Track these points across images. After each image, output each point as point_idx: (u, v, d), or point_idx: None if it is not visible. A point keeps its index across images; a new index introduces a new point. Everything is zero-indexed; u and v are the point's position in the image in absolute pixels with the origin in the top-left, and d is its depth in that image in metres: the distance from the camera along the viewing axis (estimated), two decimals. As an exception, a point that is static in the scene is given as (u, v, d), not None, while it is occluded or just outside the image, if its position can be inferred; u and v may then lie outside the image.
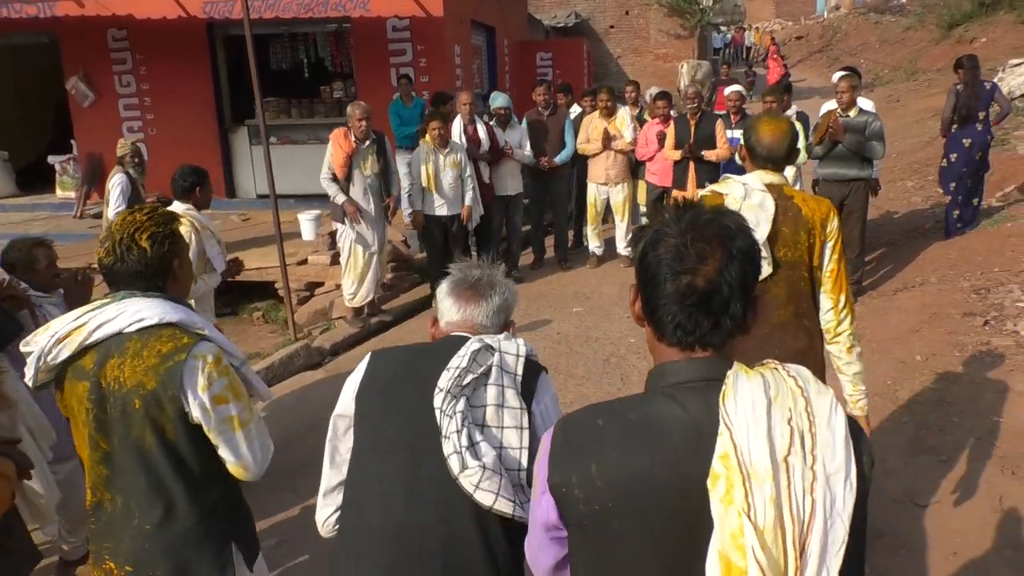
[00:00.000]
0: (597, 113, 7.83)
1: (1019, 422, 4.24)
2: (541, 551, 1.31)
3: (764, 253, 2.62)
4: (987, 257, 6.51)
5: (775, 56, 19.91)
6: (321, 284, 7.70)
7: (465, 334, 1.81)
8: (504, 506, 1.57)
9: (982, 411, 4.39)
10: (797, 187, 6.50)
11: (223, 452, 2.01)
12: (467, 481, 1.54)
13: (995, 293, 5.85)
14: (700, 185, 6.97)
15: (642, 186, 7.98)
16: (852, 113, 6.16)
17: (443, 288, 1.94)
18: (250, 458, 2.04)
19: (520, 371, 1.69)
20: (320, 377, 5.81)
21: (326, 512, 1.91)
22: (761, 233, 2.60)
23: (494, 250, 7.91)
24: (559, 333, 6.32)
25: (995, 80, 10.80)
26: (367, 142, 6.37)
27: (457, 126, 7.29)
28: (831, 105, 6.36)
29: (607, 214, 8.24)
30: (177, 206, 4.36)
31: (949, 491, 3.79)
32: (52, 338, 1.95)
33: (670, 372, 1.24)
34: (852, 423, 1.19)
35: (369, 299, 6.85)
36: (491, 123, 7.60)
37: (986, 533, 3.47)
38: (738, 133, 6.67)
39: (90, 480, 2.04)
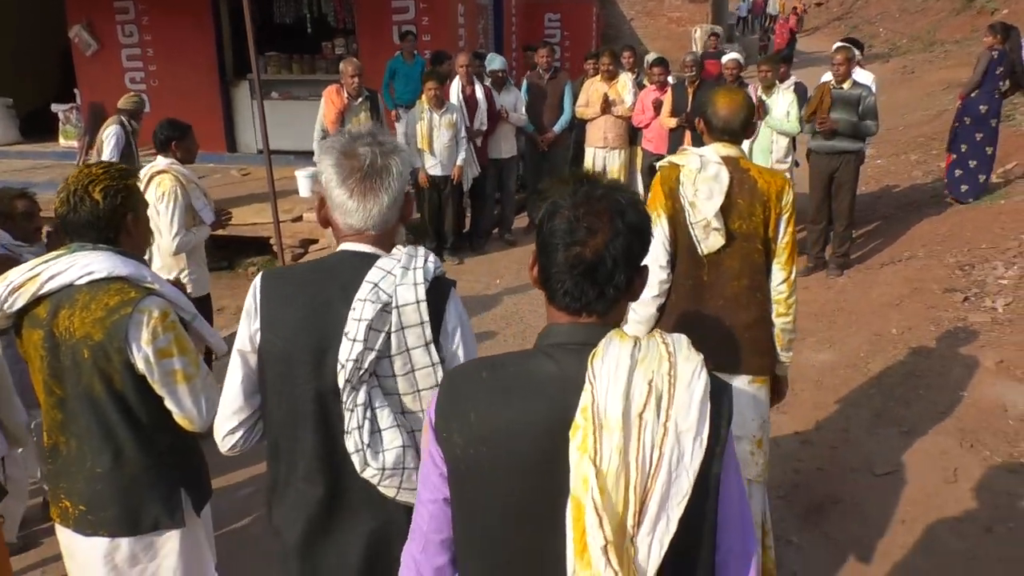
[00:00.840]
0: (599, 77, 7.80)
1: (983, 397, 4.31)
2: (424, 485, 1.37)
3: (717, 225, 2.67)
4: (975, 233, 6.52)
5: (784, 23, 19.62)
6: (315, 241, 7.78)
7: (362, 249, 1.72)
8: (408, 497, 1.60)
9: (949, 385, 4.46)
10: (789, 160, 6.51)
11: (169, 404, 2.09)
12: (369, 478, 1.60)
13: (979, 269, 5.88)
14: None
15: (640, 152, 7.97)
16: (846, 85, 6.13)
17: (330, 165, 1.71)
18: (195, 411, 2.11)
19: (425, 318, 1.63)
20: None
21: (227, 426, 1.81)
22: (714, 205, 2.65)
23: (488, 212, 7.98)
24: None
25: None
26: (359, 99, 6.39)
27: (455, 87, 7.29)
28: (828, 77, 6.32)
29: (603, 179, 8.24)
30: (160, 160, 4.41)
31: (906, 462, 3.88)
32: (8, 287, 2.03)
33: (554, 333, 1.32)
34: (718, 389, 1.26)
35: (360, 257, 6.90)
36: (487, 85, 7.59)
37: (936, 503, 3.56)
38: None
39: (46, 423, 2.14)
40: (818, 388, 4.69)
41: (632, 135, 7.93)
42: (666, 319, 2.82)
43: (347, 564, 1.75)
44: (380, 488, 1.61)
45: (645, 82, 7.98)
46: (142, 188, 4.34)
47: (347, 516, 1.74)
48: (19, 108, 11.94)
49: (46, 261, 2.07)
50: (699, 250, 2.70)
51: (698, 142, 6.86)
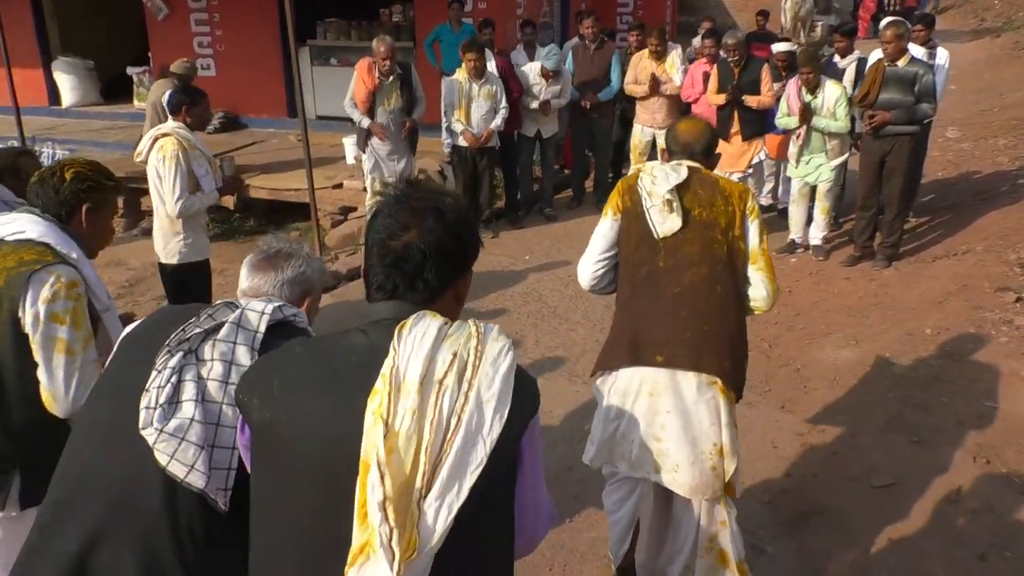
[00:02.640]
0: (646, 53, 7.49)
1: (1012, 409, 3.94)
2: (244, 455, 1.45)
3: (670, 197, 2.57)
4: (1046, 228, 5.98)
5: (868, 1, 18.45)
6: (355, 209, 7.81)
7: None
8: (177, 470, 1.50)
9: (976, 394, 4.10)
10: (847, 155, 6.13)
11: (41, 373, 2.08)
12: (146, 436, 1.54)
13: (1041, 268, 5.39)
14: (747, 136, 6.65)
15: (689, 129, 7.64)
16: (901, 62, 5.67)
17: (247, 258, 1.94)
18: (62, 388, 2.08)
19: (262, 328, 1.61)
20: (326, 301, 5.94)
21: None
22: (668, 184, 2.57)
23: (526, 186, 7.83)
24: (570, 275, 6.21)
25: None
26: (391, 77, 6.31)
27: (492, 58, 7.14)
28: (879, 54, 5.87)
29: (652, 159, 7.97)
30: (168, 124, 4.46)
31: (910, 474, 3.59)
32: None
33: (372, 312, 1.38)
34: (523, 377, 1.31)
35: (392, 227, 6.89)
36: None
37: (932, 523, 3.29)
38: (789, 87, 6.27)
39: None
40: (832, 387, 4.40)
41: (683, 112, 7.61)
42: (619, 311, 2.69)
43: None
44: (155, 452, 1.51)
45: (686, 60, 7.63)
46: (145, 151, 4.45)
47: None
48: (101, 71, 12.42)
49: None
50: (655, 234, 2.56)
51: (747, 121, 6.56)
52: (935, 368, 4.41)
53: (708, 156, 2.73)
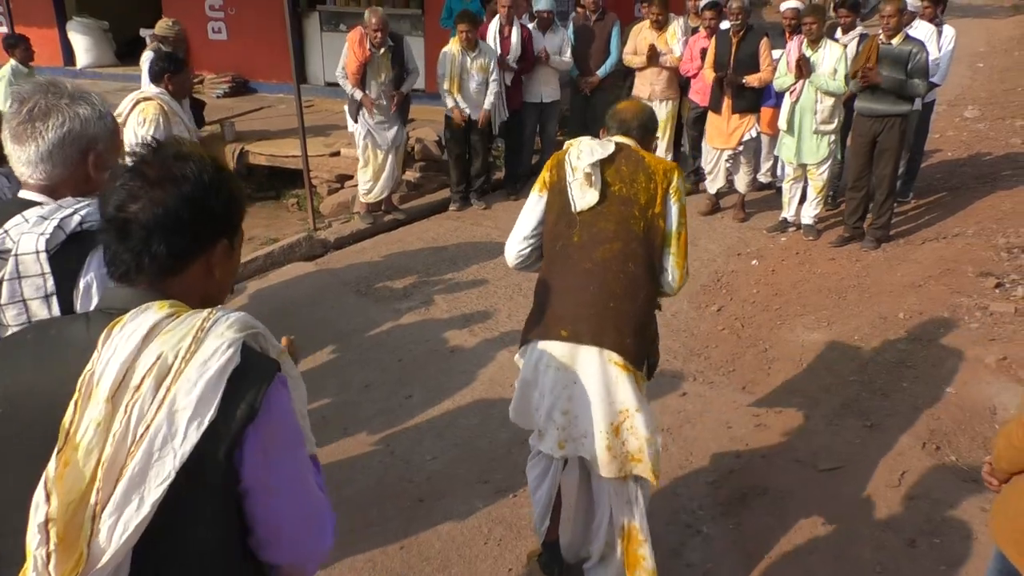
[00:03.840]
0: (647, 23, 7.39)
1: (972, 395, 3.92)
2: None
3: (590, 171, 2.56)
4: (1040, 213, 5.86)
5: None
6: (351, 177, 7.84)
7: (29, 196, 1.67)
8: None
9: (937, 379, 4.09)
10: (835, 123, 5.98)
11: None
12: None
13: (1028, 254, 5.30)
14: (738, 109, 6.55)
15: (688, 103, 7.56)
16: (896, 41, 5.55)
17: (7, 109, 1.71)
18: None
19: (46, 268, 1.55)
20: (309, 270, 6.02)
21: None
22: (591, 159, 2.57)
23: (524, 157, 7.81)
24: (555, 249, 6.23)
25: None
26: (382, 49, 6.30)
27: (493, 27, 7.10)
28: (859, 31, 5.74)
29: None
30: (150, 88, 4.51)
31: (856, 458, 3.60)
32: None
33: (106, 297, 1.29)
34: (252, 373, 1.19)
35: (384, 196, 6.94)
36: (531, 25, 7.34)
37: (869, 507, 3.30)
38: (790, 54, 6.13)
39: None
40: (795, 368, 4.39)
41: (683, 86, 7.51)
42: (537, 284, 2.72)
43: None
44: None
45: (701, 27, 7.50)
46: (125, 113, 4.51)
47: None
48: (116, 33, 12.51)
49: None
50: (573, 207, 2.57)
51: (741, 96, 6.46)
52: (901, 352, 4.38)
53: (644, 135, 2.71)
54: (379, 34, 6.21)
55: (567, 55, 7.42)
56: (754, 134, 6.64)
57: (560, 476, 2.79)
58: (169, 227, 1.23)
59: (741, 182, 6.87)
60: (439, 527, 3.30)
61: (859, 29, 6.71)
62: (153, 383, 1.12)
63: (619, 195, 2.56)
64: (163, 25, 7.54)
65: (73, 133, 1.66)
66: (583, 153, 2.57)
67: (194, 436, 1.12)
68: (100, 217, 1.27)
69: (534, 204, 2.70)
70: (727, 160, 6.81)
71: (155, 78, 4.58)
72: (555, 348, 2.54)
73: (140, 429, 1.11)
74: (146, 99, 4.47)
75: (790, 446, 3.75)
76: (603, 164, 2.57)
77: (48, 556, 1.08)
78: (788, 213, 6.53)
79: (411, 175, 7.78)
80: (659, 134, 7.58)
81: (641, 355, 2.57)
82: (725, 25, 6.80)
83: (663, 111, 7.50)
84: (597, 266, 2.54)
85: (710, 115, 6.81)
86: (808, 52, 5.91)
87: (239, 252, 1.42)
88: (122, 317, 1.19)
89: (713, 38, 6.71)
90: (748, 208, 6.99)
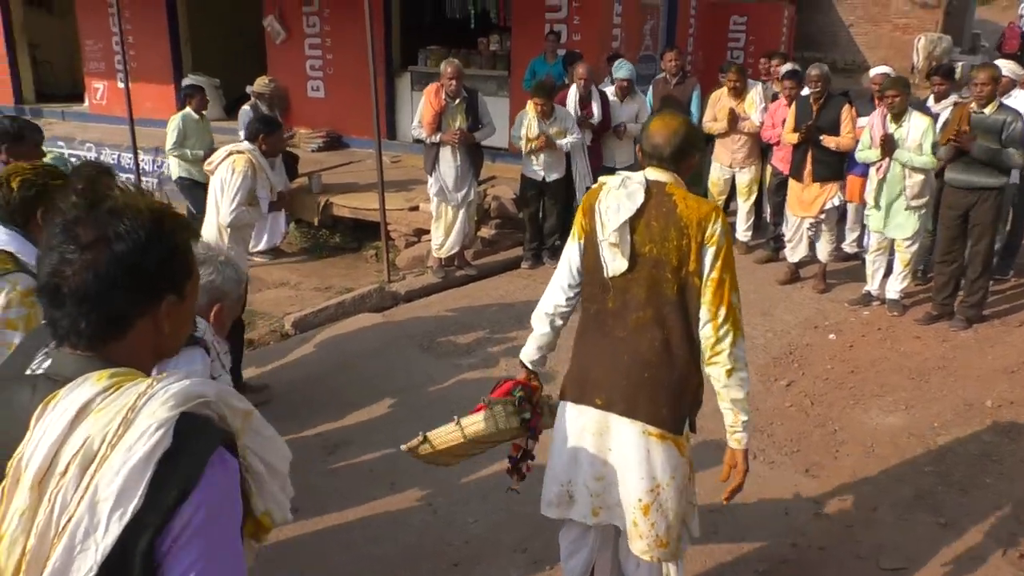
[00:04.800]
0: (725, 90, 7.32)
1: (1062, 499, 3.56)
2: None
3: (615, 240, 2.42)
4: None
5: (1015, 28, 17.14)
6: (427, 231, 7.96)
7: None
8: None
9: (1024, 478, 3.74)
10: (926, 198, 5.68)
11: None
12: None
13: None
14: (819, 178, 6.35)
15: (770, 169, 7.40)
16: (988, 110, 5.27)
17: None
18: None
19: None
20: (377, 321, 6.09)
21: None
22: (619, 218, 2.41)
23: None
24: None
25: None
26: (457, 100, 6.45)
27: (572, 96, 7.17)
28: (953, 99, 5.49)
29: (732, 199, 7.75)
30: (244, 144, 4.80)
31: (925, 560, 3.30)
32: None
33: (54, 361, 1.23)
34: (190, 452, 1.11)
35: (456, 251, 7.01)
36: (610, 91, 7.37)
37: (935, 615, 3.01)
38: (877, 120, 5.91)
39: None
40: (866, 455, 4.11)
41: (763, 152, 7.37)
42: (575, 342, 2.62)
43: None
44: None
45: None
46: (217, 161, 4.77)
47: None
48: (226, 89, 13.29)
49: None
50: (605, 271, 2.47)
51: (822, 164, 6.26)
52: (986, 444, 4.05)
53: (678, 161, 2.46)
54: (454, 83, 6.36)
55: (644, 118, 7.40)
56: (836, 203, 6.40)
57: (596, 549, 2.68)
58: (102, 293, 1.18)
59: (823, 251, 6.62)
60: (470, 595, 3.21)
61: (953, 98, 6.44)
62: (78, 470, 1.07)
63: (650, 257, 2.41)
64: (261, 83, 8.00)
65: (212, 284, 1.93)
66: (610, 209, 2.44)
67: (115, 529, 1.06)
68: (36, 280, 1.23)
69: (573, 252, 2.56)
70: (809, 229, 6.58)
71: (251, 137, 4.87)
72: (591, 415, 2.48)
73: (63, 520, 1.06)
74: (239, 152, 4.74)
75: (851, 539, 3.48)
76: (632, 220, 2.44)
77: None
78: (872, 286, 6.23)
79: (486, 232, 7.86)
80: (740, 198, 7.48)
81: (680, 420, 2.47)
82: (806, 92, 6.65)
83: (745, 178, 7.39)
84: (631, 334, 2.45)
85: (791, 182, 6.62)
86: (892, 127, 5.68)
87: (193, 298, 1.34)
88: (58, 392, 1.14)
89: (793, 104, 6.57)
90: (830, 279, 6.71)
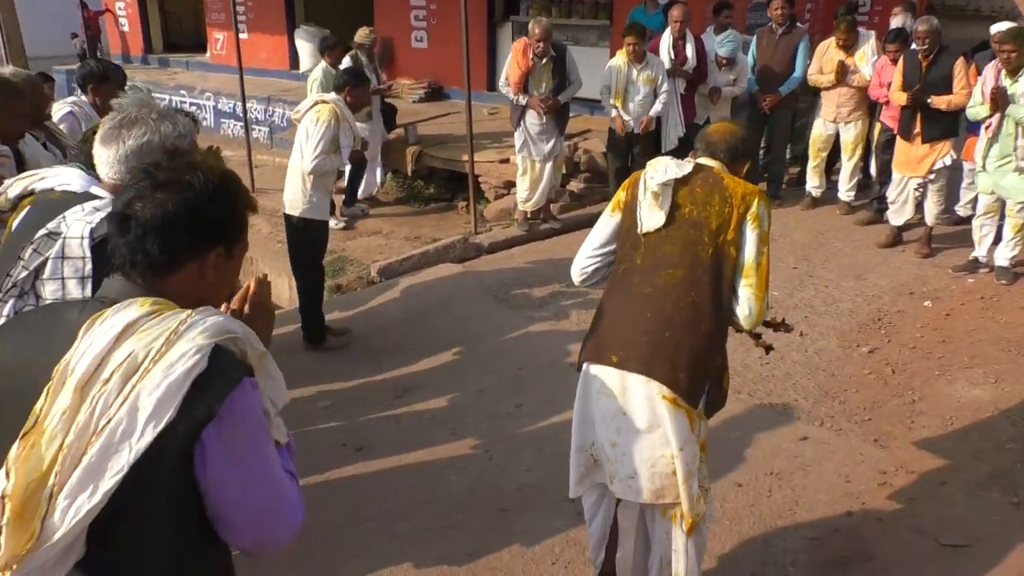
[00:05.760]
0: (833, 42, 6.90)
1: None
2: None
3: (658, 196, 2.43)
4: None
5: None
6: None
7: (97, 191, 1.87)
8: None
9: (1117, 462, 3.46)
10: None
11: None
12: None
13: None
14: (929, 137, 5.93)
15: (879, 126, 6.95)
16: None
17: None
18: None
19: (87, 253, 1.68)
20: (456, 271, 6.20)
21: None
22: (664, 177, 2.45)
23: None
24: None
25: None
26: (544, 59, 6.38)
27: (666, 40, 6.95)
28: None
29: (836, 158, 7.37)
30: (331, 95, 4.97)
31: (990, 538, 3.13)
32: (14, 179, 2.46)
33: (104, 287, 1.39)
34: (223, 379, 1.25)
35: (541, 205, 7.01)
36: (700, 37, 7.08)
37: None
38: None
39: None
40: (943, 427, 3.91)
41: (872, 107, 6.94)
42: (599, 304, 2.62)
43: None
44: None
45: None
46: (304, 111, 4.95)
47: None
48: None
49: (47, 170, 2.53)
50: (639, 228, 2.45)
51: (932, 122, 5.84)
52: (1080, 424, 3.77)
53: (732, 160, 2.56)
54: (542, 44, 6.29)
55: (743, 82, 7.11)
56: (948, 162, 5.97)
57: (615, 508, 2.69)
58: (164, 228, 1.33)
59: (930, 214, 6.21)
60: (513, 540, 3.30)
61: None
62: (120, 379, 1.20)
63: (688, 218, 2.41)
64: (362, 33, 8.14)
65: (152, 144, 1.83)
66: (657, 172, 2.46)
67: (150, 435, 1.19)
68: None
69: (603, 224, 2.62)
70: (916, 189, 6.18)
71: (337, 89, 5.01)
72: (605, 374, 2.46)
73: (102, 421, 1.19)
74: (324, 102, 4.90)
75: (913, 512, 3.34)
76: (677, 184, 2.43)
77: (1, 528, 1.18)
78: (980, 252, 5.82)
79: (575, 185, 7.81)
80: (845, 155, 7.10)
81: (696, 391, 2.42)
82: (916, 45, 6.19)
83: (851, 131, 6.99)
84: (657, 291, 2.43)
85: (899, 141, 6.22)
86: (1006, 82, 5.22)
87: (239, 262, 1.49)
88: (105, 311, 1.28)
89: (901, 60, 6.12)
90: (937, 243, 6.31)
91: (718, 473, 3.61)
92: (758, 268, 2.41)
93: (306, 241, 4.97)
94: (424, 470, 3.82)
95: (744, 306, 2.43)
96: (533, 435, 4.05)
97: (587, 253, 2.65)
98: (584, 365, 2.56)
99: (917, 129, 5.96)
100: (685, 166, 2.47)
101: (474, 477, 3.74)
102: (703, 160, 2.53)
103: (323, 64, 7.79)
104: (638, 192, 2.49)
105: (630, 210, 2.52)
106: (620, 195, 2.59)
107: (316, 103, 4.98)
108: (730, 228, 2.39)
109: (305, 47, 13.21)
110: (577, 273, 2.69)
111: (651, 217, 2.43)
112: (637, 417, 2.42)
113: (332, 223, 7.56)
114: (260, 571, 3.15)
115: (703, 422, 2.49)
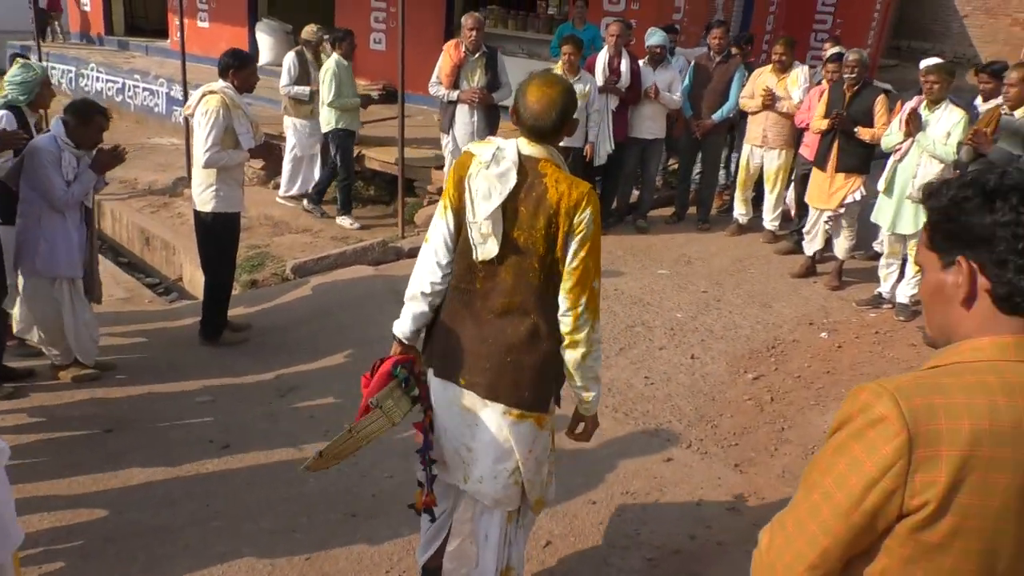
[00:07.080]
0: (768, 68, 7.01)
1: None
2: None
3: (486, 230, 2.39)
4: None
5: None
6: (451, 191, 8.01)
7: None
8: None
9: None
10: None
11: None
12: None
13: None
14: (843, 168, 6.03)
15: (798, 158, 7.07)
16: (1020, 112, 4.88)
17: None
18: None
19: None
20: (369, 273, 6.21)
21: None
22: (490, 206, 2.36)
23: (623, 193, 7.63)
24: (616, 290, 6.03)
25: None
26: (477, 54, 6.41)
27: (601, 58, 7.01)
28: (999, 101, 5.09)
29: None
30: (217, 83, 4.84)
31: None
32: None
33: None
34: None
35: (467, 213, 7.03)
36: (642, 62, 7.17)
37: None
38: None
39: None
40: (804, 455, 3.97)
41: (798, 139, 7.04)
42: (442, 311, 2.58)
43: None
44: None
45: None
46: (193, 104, 4.87)
47: None
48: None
49: None
50: (474, 254, 2.44)
51: (848, 154, 5.94)
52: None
53: (559, 133, 2.39)
54: (474, 34, 6.32)
55: (677, 93, 7.17)
56: (858, 197, 6.08)
57: (451, 512, 2.75)
58: None
59: (840, 248, 6.32)
60: (354, 546, 3.30)
61: (1000, 100, 5.98)
62: None
63: (519, 244, 2.38)
64: (308, 31, 8.14)
65: None
66: (480, 192, 2.37)
67: None
68: None
69: (442, 231, 2.49)
70: (826, 222, 6.29)
71: (221, 72, 4.86)
72: (454, 391, 2.52)
73: None
74: (211, 92, 4.79)
75: (754, 538, 3.36)
76: (504, 203, 2.40)
77: None
78: (884, 288, 5.93)
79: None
80: (767, 185, 7.19)
81: (544, 398, 2.51)
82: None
83: (774, 161, 7.09)
84: (496, 318, 2.44)
85: (814, 172, 6.32)
86: (924, 112, 5.35)
87: None
88: None
89: (826, 89, 6.24)
90: (849, 277, 6.42)
91: (575, 491, 3.65)
92: (574, 272, 2.36)
93: (217, 235, 4.89)
94: (287, 470, 3.80)
95: (565, 317, 2.39)
96: (404, 442, 4.04)
97: (439, 273, 2.51)
98: (432, 374, 2.58)
99: (832, 159, 6.06)
100: (509, 178, 2.34)
101: (333, 480, 3.73)
102: (527, 148, 2.38)
103: (335, 56, 7.65)
104: (464, 201, 2.42)
105: (460, 219, 2.44)
106: (450, 191, 2.47)
107: (204, 94, 4.81)
108: (557, 247, 2.35)
109: (266, 40, 13.16)
110: (427, 288, 2.54)
111: (484, 246, 2.39)
112: (487, 431, 2.50)
113: (347, 223, 7.55)
114: (89, 564, 3.13)
115: (553, 415, 2.59)
